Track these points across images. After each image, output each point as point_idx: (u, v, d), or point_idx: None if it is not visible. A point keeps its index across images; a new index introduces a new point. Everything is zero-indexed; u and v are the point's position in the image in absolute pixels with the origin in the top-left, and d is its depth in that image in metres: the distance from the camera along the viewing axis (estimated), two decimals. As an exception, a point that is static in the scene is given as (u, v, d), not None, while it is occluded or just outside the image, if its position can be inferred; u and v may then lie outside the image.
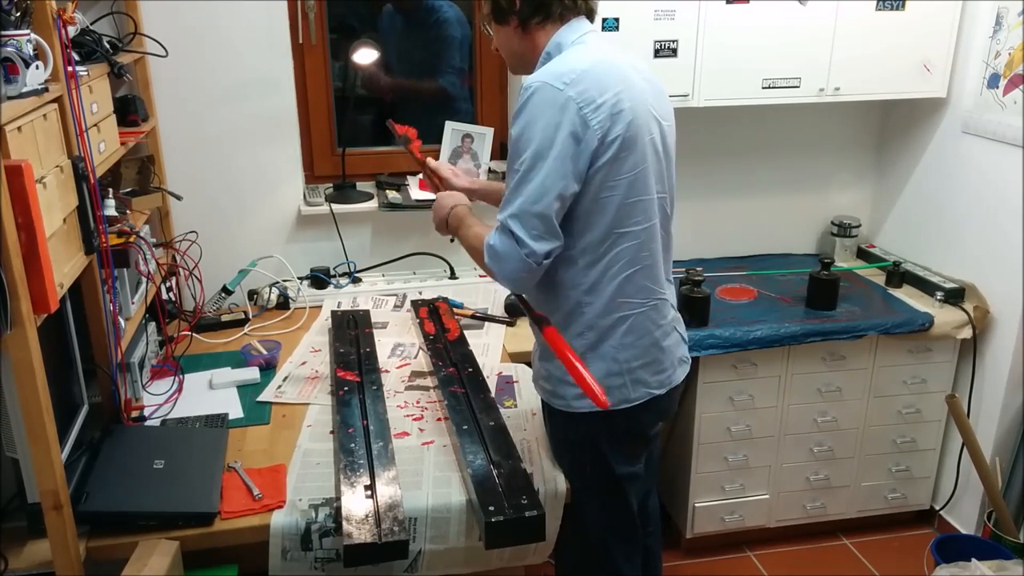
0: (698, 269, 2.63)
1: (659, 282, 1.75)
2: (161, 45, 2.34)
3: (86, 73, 1.79)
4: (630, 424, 1.76)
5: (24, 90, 1.44)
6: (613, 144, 1.57)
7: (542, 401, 1.87)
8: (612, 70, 1.61)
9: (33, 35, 1.50)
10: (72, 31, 1.79)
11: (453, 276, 2.85)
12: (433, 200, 1.93)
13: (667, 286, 1.79)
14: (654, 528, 2.08)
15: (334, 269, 2.81)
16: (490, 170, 2.86)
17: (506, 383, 2.20)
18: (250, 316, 2.61)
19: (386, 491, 1.66)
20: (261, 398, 2.12)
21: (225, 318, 2.58)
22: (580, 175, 1.58)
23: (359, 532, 1.55)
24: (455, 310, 2.57)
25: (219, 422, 1.99)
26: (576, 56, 1.62)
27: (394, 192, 2.81)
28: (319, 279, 2.75)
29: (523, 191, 1.57)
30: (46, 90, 1.52)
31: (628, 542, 1.88)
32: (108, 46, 2.07)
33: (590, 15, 1.73)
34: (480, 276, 2.84)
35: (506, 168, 1.64)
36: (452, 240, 1.88)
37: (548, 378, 1.78)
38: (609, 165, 1.58)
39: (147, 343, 2.19)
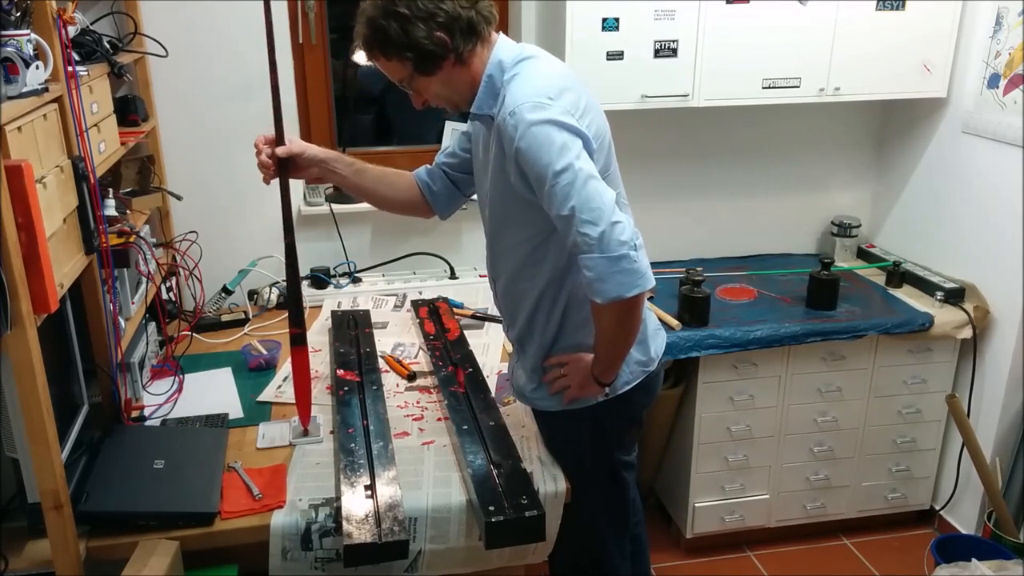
0: (698, 269, 2.63)
1: None
2: (161, 45, 2.34)
3: (86, 73, 1.80)
4: (624, 409, 1.79)
5: (24, 90, 1.44)
6: (599, 142, 1.64)
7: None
8: (570, 75, 1.67)
9: (33, 35, 1.50)
10: (72, 31, 1.79)
11: (453, 276, 2.85)
12: None
13: None
14: (640, 517, 2.11)
15: (334, 269, 2.80)
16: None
17: (506, 382, 2.19)
18: (250, 316, 2.61)
19: (386, 491, 1.66)
20: (261, 398, 2.12)
21: (225, 318, 2.58)
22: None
23: (359, 532, 1.55)
24: (455, 310, 2.57)
25: (219, 422, 1.99)
26: (537, 71, 1.63)
27: (394, 192, 2.81)
28: (319, 279, 2.75)
29: (587, 207, 1.49)
30: (46, 90, 1.52)
31: (622, 539, 1.90)
32: (108, 46, 2.07)
33: (497, 25, 1.73)
34: (480, 276, 2.83)
35: (546, 203, 1.55)
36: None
37: (537, 388, 1.82)
38: (598, 163, 1.62)
39: (147, 343, 2.19)
